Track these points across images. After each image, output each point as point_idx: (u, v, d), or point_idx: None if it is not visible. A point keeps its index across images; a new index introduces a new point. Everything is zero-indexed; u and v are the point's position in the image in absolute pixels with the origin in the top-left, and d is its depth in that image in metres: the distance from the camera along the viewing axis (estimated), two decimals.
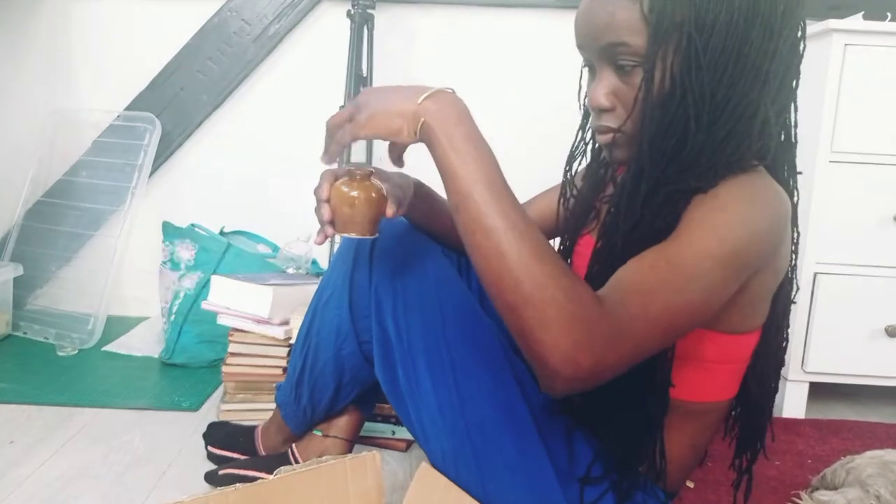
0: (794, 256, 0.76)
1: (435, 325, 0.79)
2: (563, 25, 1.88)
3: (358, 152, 1.77)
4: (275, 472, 0.77)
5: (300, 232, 1.74)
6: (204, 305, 1.42)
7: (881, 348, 1.49)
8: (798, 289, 0.79)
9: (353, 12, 1.70)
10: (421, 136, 0.64)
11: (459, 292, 0.83)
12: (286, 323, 1.33)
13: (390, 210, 0.75)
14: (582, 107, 0.83)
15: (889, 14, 1.46)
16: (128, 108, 1.90)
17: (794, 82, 0.70)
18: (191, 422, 1.33)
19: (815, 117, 1.44)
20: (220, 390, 1.46)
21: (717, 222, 0.63)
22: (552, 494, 0.75)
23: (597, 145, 0.84)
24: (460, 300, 0.82)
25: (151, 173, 1.91)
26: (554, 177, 0.93)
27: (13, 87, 1.92)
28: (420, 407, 0.79)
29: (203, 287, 1.62)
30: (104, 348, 1.71)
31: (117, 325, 1.84)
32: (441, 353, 0.78)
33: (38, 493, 1.07)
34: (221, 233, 1.82)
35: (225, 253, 1.66)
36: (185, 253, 1.67)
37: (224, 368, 1.36)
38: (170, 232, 1.71)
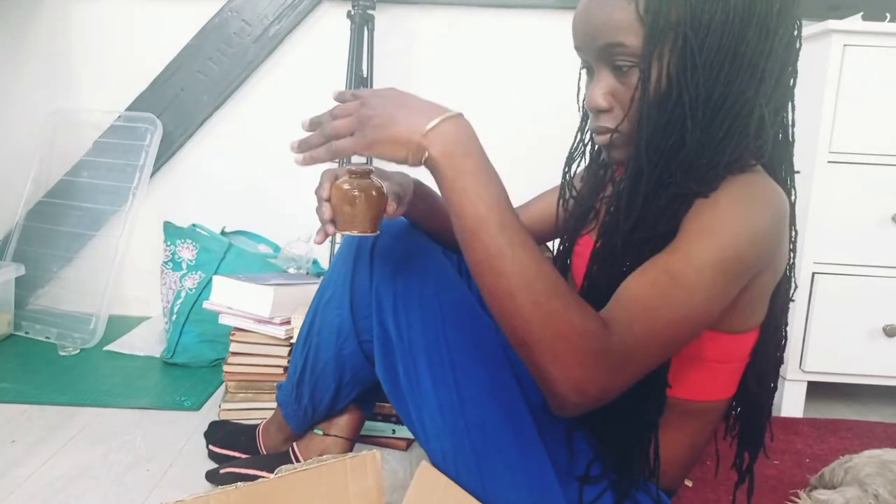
0: (792, 255, 0.76)
1: (435, 325, 0.80)
2: (562, 26, 1.88)
3: None
4: (276, 471, 0.77)
5: (301, 232, 1.75)
6: (205, 305, 1.43)
7: (879, 348, 1.49)
8: (796, 287, 0.80)
9: (353, 13, 1.71)
10: (426, 166, 0.63)
11: (459, 292, 0.84)
12: (287, 322, 1.34)
13: (391, 208, 0.75)
14: (581, 108, 0.83)
15: (888, 15, 1.46)
16: (128, 109, 1.91)
17: (792, 81, 0.70)
18: (192, 421, 1.34)
19: (814, 117, 1.44)
20: (222, 390, 1.46)
21: (717, 230, 0.63)
22: (552, 493, 0.75)
23: (596, 146, 0.84)
24: (460, 300, 0.82)
25: (152, 173, 1.92)
26: (554, 177, 0.93)
27: (14, 88, 1.93)
28: (420, 406, 0.79)
29: (204, 287, 1.62)
30: (106, 348, 1.71)
31: (119, 325, 1.84)
32: (441, 353, 0.78)
33: (40, 493, 1.07)
34: (222, 233, 1.82)
35: (226, 253, 1.67)
36: (187, 253, 1.68)
37: (225, 368, 1.36)
38: (171, 232, 1.71)
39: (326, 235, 0.74)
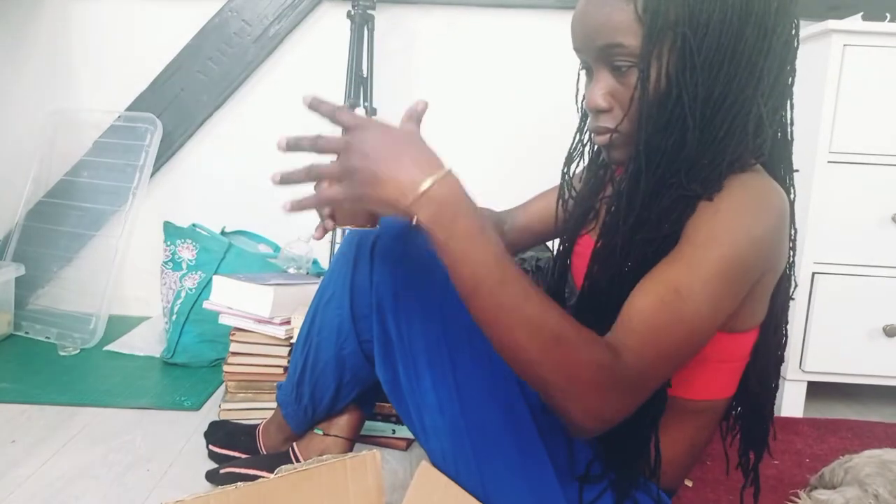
0: (791, 253, 0.76)
1: (435, 325, 0.80)
2: (562, 26, 1.88)
3: None
4: (276, 471, 0.77)
5: (301, 232, 1.75)
6: (205, 305, 1.43)
7: (879, 348, 1.49)
8: (796, 285, 0.80)
9: (353, 13, 1.71)
10: (416, 227, 0.61)
11: None
12: (287, 322, 1.34)
13: None
14: (579, 109, 0.83)
15: (888, 15, 1.46)
16: (128, 109, 1.91)
17: (790, 80, 0.70)
18: (192, 421, 1.34)
19: (814, 117, 1.44)
20: (222, 390, 1.46)
21: (719, 238, 0.64)
22: (552, 493, 0.75)
23: (595, 147, 0.84)
24: (460, 300, 0.82)
25: (153, 174, 1.92)
26: (554, 177, 0.93)
27: (14, 88, 1.93)
28: (420, 406, 0.79)
29: (204, 287, 1.62)
30: (106, 348, 1.71)
31: (119, 325, 1.84)
32: (441, 353, 0.78)
33: (40, 493, 1.07)
34: (222, 233, 1.82)
35: (226, 253, 1.67)
36: (187, 253, 1.68)
37: (225, 368, 1.36)
38: (171, 232, 1.71)
39: (326, 231, 0.74)
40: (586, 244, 0.83)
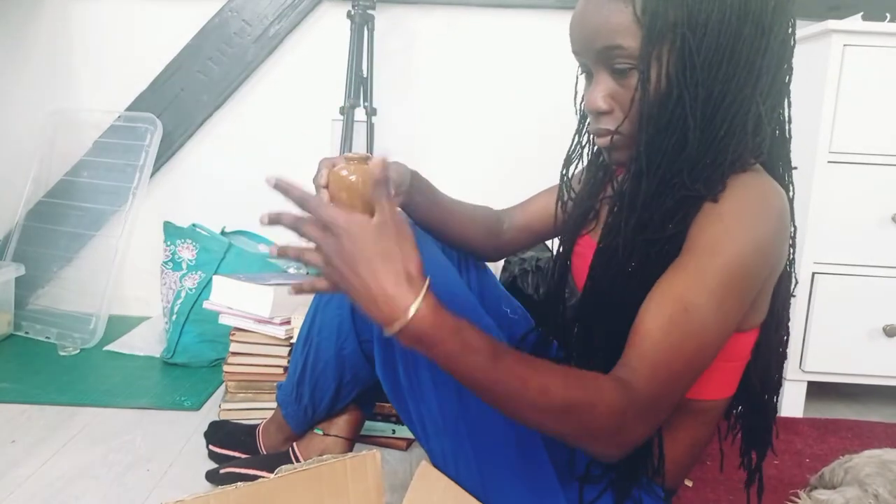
0: (791, 251, 0.77)
1: None
2: (562, 26, 1.88)
3: (358, 147, 1.77)
4: (276, 471, 0.77)
5: None
6: (205, 305, 1.43)
7: (879, 348, 1.49)
8: (797, 283, 0.80)
9: (353, 13, 1.71)
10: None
11: (460, 291, 0.83)
12: (287, 322, 1.34)
13: None
14: (578, 111, 0.83)
15: (888, 15, 1.46)
16: (128, 109, 1.91)
17: (787, 78, 0.71)
18: (192, 421, 1.34)
19: (813, 117, 1.44)
20: (222, 390, 1.46)
21: (723, 245, 0.64)
22: (552, 493, 0.75)
23: (594, 148, 0.84)
24: (461, 300, 0.82)
25: (152, 173, 1.92)
26: (554, 177, 0.93)
27: (14, 88, 1.93)
28: (420, 406, 0.79)
29: (204, 287, 1.62)
30: (106, 348, 1.71)
31: (119, 325, 1.84)
32: None
33: (40, 493, 1.07)
34: (222, 233, 1.82)
35: (226, 253, 1.67)
36: (187, 253, 1.68)
37: (225, 368, 1.36)
38: (171, 232, 1.71)
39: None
40: (586, 245, 0.83)
